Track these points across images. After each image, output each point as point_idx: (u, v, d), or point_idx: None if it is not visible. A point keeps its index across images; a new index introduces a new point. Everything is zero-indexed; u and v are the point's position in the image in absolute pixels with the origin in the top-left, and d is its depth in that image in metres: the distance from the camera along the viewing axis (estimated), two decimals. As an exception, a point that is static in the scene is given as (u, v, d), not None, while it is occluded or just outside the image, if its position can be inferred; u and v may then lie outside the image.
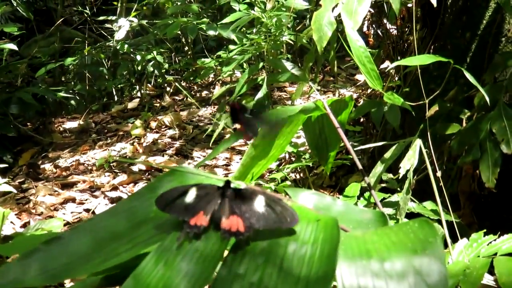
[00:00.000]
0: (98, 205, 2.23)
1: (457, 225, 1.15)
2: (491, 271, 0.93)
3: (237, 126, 0.79)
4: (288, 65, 1.95)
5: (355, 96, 2.62)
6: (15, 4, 3.28)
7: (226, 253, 0.49)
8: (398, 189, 1.39)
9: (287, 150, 1.99)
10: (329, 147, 0.98)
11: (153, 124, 3.12)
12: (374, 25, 1.93)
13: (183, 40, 3.78)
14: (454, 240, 1.08)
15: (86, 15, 4.01)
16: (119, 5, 3.70)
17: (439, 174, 1.13)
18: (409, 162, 0.99)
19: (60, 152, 2.99)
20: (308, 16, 2.69)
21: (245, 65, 2.85)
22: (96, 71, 3.70)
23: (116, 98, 3.84)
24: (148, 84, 3.85)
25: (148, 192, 0.59)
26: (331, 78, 3.34)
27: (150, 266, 0.47)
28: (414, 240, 0.48)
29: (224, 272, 0.47)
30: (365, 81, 1.04)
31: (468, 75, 1.03)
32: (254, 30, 2.46)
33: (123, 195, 2.30)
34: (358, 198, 1.36)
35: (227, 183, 0.57)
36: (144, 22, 3.48)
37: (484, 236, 1.04)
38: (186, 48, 3.84)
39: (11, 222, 2.07)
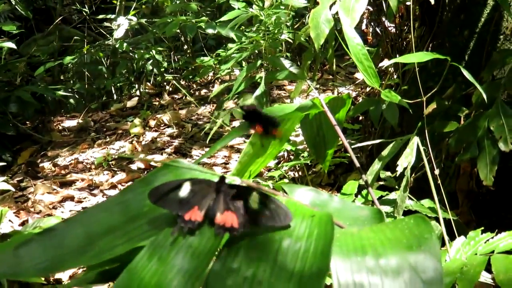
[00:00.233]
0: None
1: (455, 223, 1.15)
2: (488, 269, 0.93)
3: (257, 127, 0.78)
4: (287, 63, 1.95)
5: (354, 94, 2.62)
6: (14, 3, 3.28)
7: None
8: (396, 187, 1.39)
9: (286, 148, 1.98)
10: (327, 145, 0.97)
11: (152, 123, 3.12)
12: (372, 23, 1.93)
13: (182, 38, 3.78)
14: (452, 238, 1.08)
15: (85, 14, 4.01)
16: (118, 3, 3.70)
17: (437, 172, 1.13)
18: (406, 160, 0.99)
19: (59, 150, 2.98)
20: (306, 14, 2.69)
21: (243, 63, 2.85)
22: (95, 70, 3.70)
23: (115, 97, 3.84)
24: (147, 83, 3.85)
25: (141, 185, 0.57)
26: (330, 77, 3.34)
27: (144, 261, 0.47)
28: (410, 237, 0.48)
29: (218, 266, 0.47)
30: (363, 79, 1.03)
31: (466, 73, 1.02)
32: (253, 28, 2.46)
33: (122, 194, 2.30)
34: (356, 196, 1.35)
35: (222, 178, 0.57)
36: (143, 20, 3.48)
37: (481, 234, 1.03)
38: (185, 46, 3.84)
39: (10, 220, 2.06)
